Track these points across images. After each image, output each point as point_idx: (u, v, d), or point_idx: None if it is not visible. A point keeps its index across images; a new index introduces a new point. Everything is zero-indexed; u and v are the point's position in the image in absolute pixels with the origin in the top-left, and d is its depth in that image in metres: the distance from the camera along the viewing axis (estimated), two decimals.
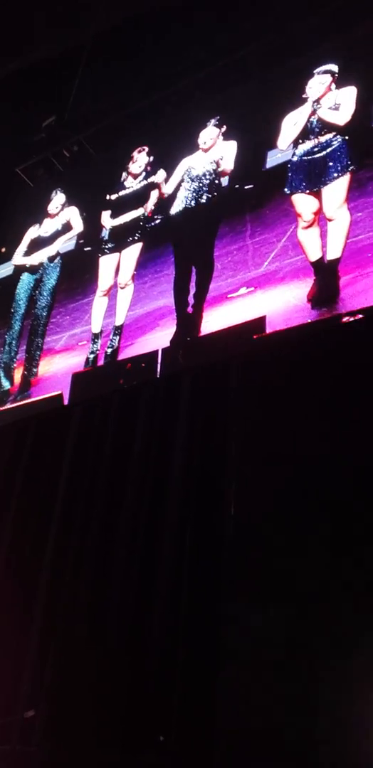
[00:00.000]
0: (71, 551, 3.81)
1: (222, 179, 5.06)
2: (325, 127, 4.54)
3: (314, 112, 4.62)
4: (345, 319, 3.60)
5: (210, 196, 5.02)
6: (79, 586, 3.60)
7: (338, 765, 2.23)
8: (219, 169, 5.07)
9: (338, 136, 4.45)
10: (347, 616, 2.47)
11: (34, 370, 5.43)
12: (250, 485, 3.24)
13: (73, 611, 3.51)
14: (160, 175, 5.45)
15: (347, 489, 2.80)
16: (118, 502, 3.78)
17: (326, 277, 4.11)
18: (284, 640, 2.59)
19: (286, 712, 2.40)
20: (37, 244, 6.10)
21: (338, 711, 2.32)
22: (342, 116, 4.49)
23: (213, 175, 5.07)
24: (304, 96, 4.73)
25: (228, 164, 5.07)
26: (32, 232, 6.25)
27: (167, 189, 5.31)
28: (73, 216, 6.09)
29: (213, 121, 5.31)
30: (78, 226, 5.99)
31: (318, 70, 4.75)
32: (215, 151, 5.20)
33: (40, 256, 5.98)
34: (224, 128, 5.23)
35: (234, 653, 2.69)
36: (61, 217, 6.17)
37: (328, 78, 4.70)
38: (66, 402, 4.71)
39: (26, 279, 5.96)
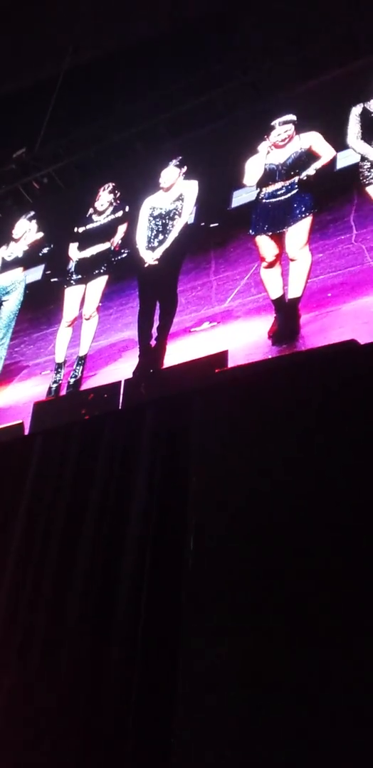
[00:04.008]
0: (29, 582, 3.75)
1: (185, 217, 5.18)
2: (291, 170, 4.69)
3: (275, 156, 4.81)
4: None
5: (173, 233, 5.12)
6: (36, 616, 3.55)
7: None
8: (180, 208, 5.18)
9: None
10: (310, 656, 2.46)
11: None
12: (210, 517, 3.25)
13: (29, 644, 3.45)
14: (127, 210, 5.54)
15: (309, 524, 2.82)
16: (77, 536, 3.74)
17: (287, 315, 4.21)
18: (241, 676, 2.58)
19: (241, 743, 2.39)
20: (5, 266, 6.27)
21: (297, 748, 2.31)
22: (325, 159, 4.66)
23: (176, 214, 5.17)
24: (266, 142, 4.91)
25: (189, 204, 5.19)
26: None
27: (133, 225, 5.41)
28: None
29: (174, 161, 5.45)
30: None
31: (279, 120, 4.95)
32: (175, 190, 5.33)
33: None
34: (184, 169, 5.37)
35: (191, 688, 2.67)
36: (26, 240, 6.32)
37: (290, 127, 4.89)
38: (27, 432, 4.67)
39: None
